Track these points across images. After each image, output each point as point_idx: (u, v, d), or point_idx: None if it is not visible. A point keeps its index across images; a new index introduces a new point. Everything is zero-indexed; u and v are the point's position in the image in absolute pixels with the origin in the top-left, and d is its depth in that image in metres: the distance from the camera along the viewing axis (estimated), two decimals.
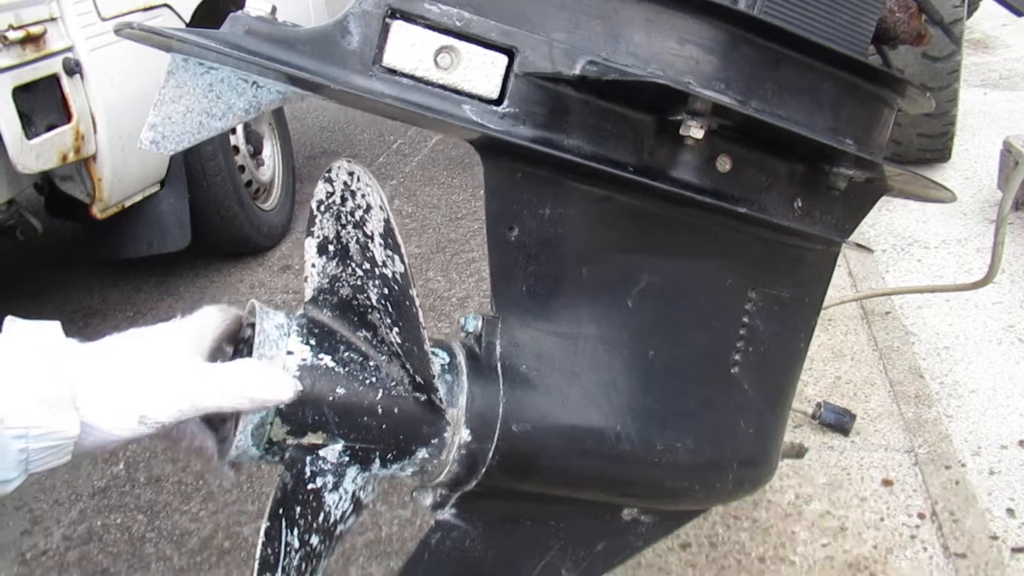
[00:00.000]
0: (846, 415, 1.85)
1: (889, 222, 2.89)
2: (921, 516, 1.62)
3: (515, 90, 0.78)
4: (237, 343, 0.75)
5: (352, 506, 0.75)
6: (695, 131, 0.76)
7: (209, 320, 0.71)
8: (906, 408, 1.92)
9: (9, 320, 0.63)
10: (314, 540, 0.74)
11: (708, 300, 0.94)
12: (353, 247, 0.75)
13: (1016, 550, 1.50)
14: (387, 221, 0.70)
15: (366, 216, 0.73)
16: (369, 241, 0.73)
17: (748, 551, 1.56)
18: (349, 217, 0.75)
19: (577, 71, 0.77)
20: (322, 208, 0.78)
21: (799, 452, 1.84)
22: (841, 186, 0.90)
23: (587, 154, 0.81)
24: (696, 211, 0.86)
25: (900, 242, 2.74)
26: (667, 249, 0.90)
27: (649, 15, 0.80)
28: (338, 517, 0.75)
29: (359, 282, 0.75)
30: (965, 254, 2.59)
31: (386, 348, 0.75)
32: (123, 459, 2.11)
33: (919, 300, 2.32)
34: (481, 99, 0.77)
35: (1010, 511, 1.59)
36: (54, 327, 0.63)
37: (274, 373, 0.68)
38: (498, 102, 0.78)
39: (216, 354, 0.71)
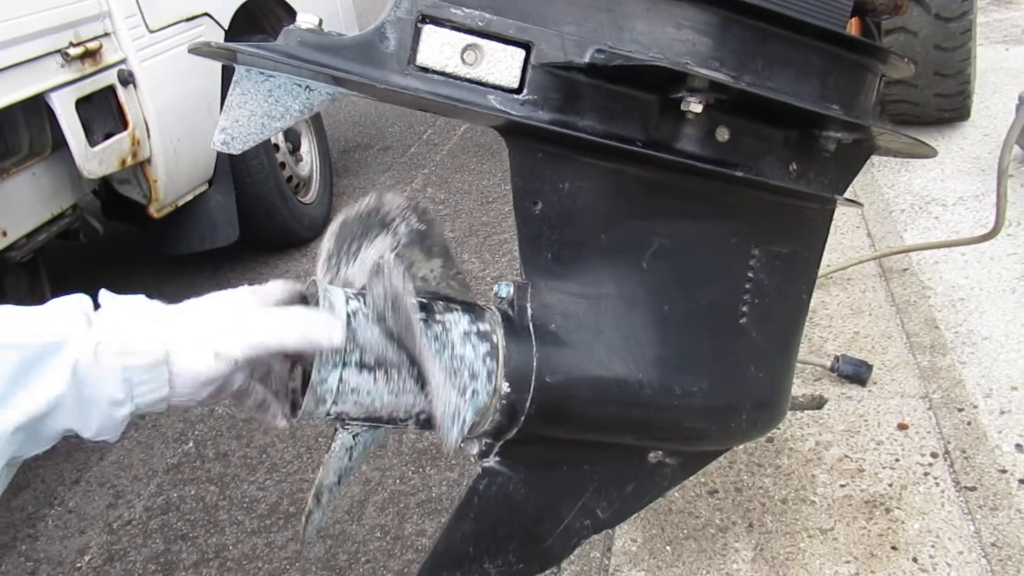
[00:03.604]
0: (863, 366, 1.93)
1: (907, 182, 2.93)
2: (934, 455, 1.70)
3: (533, 79, 0.86)
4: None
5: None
6: (694, 106, 0.84)
7: (274, 287, 0.83)
8: (921, 357, 1.99)
9: (104, 294, 0.73)
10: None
11: (715, 258, 1.01)
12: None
13: None
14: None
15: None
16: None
17: (771, 494, 1.67)
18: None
19: (587, 59, 0.85)
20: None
21: (819, 403, 1.93)
22: (831, 148, 0.97)
23: (599, 132, 0.88)
24: (700, 178, 0.94)
25: (918, 201, 2.79)
26: (675, 214, 0.98)
27: (648, 5, 0.87)
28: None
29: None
30: (982, 209, 2.63)
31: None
32: (192, 438, 2.27)
33: (936, 256, 2.37)
34: (504, 89, 0.85)
35: (1019, 446, 1.67)
36: (140, 299, 0.74)
37: (326, 318, 0.77)
38: (519, 91, 0.86)
39: None
